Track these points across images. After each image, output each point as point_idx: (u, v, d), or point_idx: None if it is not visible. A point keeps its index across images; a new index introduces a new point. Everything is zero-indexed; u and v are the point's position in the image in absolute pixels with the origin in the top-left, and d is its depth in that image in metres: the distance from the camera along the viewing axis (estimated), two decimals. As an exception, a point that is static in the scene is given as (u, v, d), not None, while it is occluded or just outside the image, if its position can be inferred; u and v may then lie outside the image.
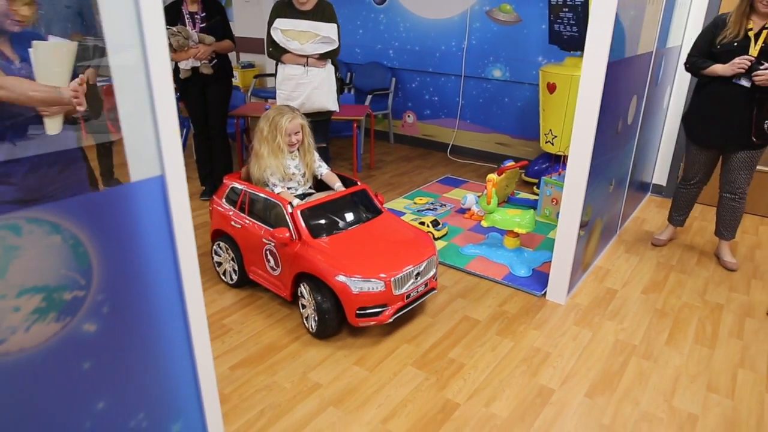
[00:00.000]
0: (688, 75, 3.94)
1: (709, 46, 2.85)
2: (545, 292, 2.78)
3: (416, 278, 2.37)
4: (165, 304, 0.72)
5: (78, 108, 1.22)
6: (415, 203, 3.94)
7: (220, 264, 2.84)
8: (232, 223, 2.67)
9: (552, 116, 4.08)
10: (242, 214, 2.63)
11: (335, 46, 3.26)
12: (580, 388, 2.14)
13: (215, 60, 3.64)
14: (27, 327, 0.58)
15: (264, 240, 2.49)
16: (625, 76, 2.75)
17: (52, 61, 1.21)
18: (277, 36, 3.21)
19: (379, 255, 2.33)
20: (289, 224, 2.38)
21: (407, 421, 1.95)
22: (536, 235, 3.41)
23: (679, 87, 4.09)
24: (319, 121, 3.33)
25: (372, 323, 2.29)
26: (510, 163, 3.84)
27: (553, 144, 4.14)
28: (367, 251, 2.34)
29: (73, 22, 1.65)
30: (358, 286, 2.21)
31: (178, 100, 3.29)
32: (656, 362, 2.31)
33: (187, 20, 3.50)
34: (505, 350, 2.36)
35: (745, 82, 2.71)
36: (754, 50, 2.69)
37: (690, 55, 2.95)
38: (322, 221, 2.44)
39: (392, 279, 2.25)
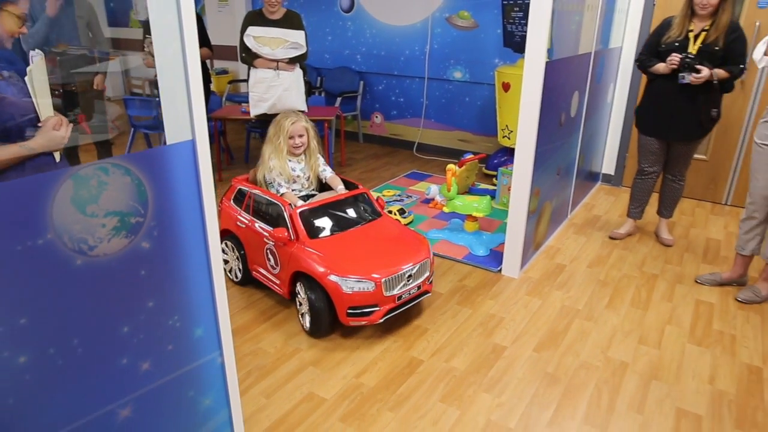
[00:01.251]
0: (631, 73, 4.36)
1: (657, 46, 3.16)
2: (501, 269, 3.11)
3: (408, 280, 2.39)
4: (192, 236, 0.98)
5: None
6: (383, 195, 4.24)
7: (226, 261, 2.94)
8: (238, 222, 2.76)
9: (508, 113, 4.44)
10: (247, 215, 2.71)
11: (303, 50, 3.61)
12: (528, 344, 2.46)
13: None
14: (109, 239, 0.85)
15: (265, 239, 2.58)
16: (565, 74, 3.11)
17: (45, 76, 1.41)
18: (249, 42, 3.51)
19: (373, 256, 2.38)
20: (288, 224, 2.46)
21: (378, 375, 2.23)
22: (494, 221, 3.74)
23: (622, 84, 4.50)
24: None
25: (363, 323, 2.34)
26: (469, 156, 4.17)
27: (509, 138, 4.50)
28: (360, 252, 2.40)
29: (82, 31, 1.86)
30: (349, 285, 2.26)
31: None
32: (596, 322, 2.65)
33: None
34: (464, 317, 2.67)
35: (686, 81, 3.00)
36: (693, 49, 3.02)
37: (640, 54, 3.28)
38: (320, 222, 2.51)
39: (383, 280, 2.29)
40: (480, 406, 2.07)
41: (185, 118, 0.91)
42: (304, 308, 2.44)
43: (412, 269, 2.40)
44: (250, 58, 3.57)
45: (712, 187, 4.37)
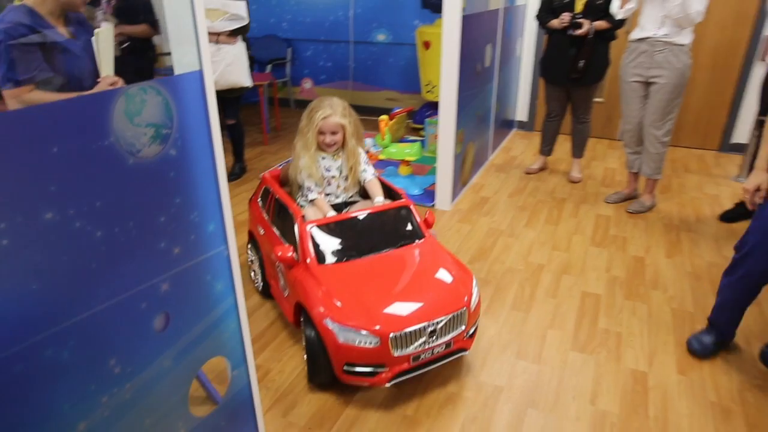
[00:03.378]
0: (536, 28, 4.84)
1: (550, 4, 3.61)
2: (434, 204, 3.51)
3: (431, 337, 1.78)
4: (202, 148, 1.27)
5: None
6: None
7: (252, 262, 2.56)
8: (258, 227, 2.37)
9: (430, 69, 4.81)
10: (266, 220, 2.30)
11: (245, 22, 3.46)
12: (463, 259, 2.88)
13: (127, 43, 3.48)
14: (149, 145, 1.11)
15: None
16: (478, 28, 3.50)
17: (110, 44, 1.64)
18: None
19: (387, 299, 1.80)
20: (296, 242, 2.00)
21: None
22: (425, 166, 4.14)
23: (528, 39, 4.98)
24: (229, 98, 3.58)
25: (364, 384, 1.82)
26: (399, 110, 4.53)
27: (432, 93, 4.88)
28: (373, 291, 1.83)
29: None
30: (346, 336, 1.73)
31: None
32: (517, 238, 3.12)
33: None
34: (407, 244, 3.06)
35: (576, 34, 3.48)
36: (579, 5, 3.48)
37: (538, 11, 3.72)
38: (334, 243, 1.99)
39: (391, 335, 1.71)
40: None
41: (194, 51, 1.19)
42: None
43: (436, 324, 1.78)
44: None
45: (609, 126, 4.99)
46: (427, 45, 4.73)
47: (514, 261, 2.86)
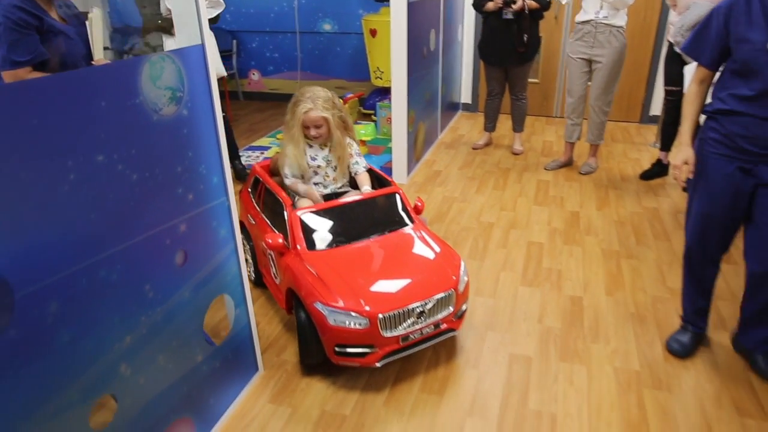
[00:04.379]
0: (474, 15, 5.19)
1: None
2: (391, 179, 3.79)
3: (420, 318, 1.86)
4: (206, 110, 1.48)
5: None
6: (278, 138, 4.72)
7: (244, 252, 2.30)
8: (249, 216, 2.40)
9: (377, 56, 5.08)
10: (257, 209, 2.35)
11: (222, 7, 3.46)
12: (422, 223, 3.18)
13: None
14: (167, 105, 1.31)
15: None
16: (422, 14, 3.79)
17: (101, 28, 1.79)
18: (162, 6, 3.24)
19: (376, 281, 1.88)
20: (287, 229, 2.06)
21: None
22: (379, 146, 4.41)
23: (468, 26, 5.33)
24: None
25: (355, 365, 1.88)
26: (350, 95, 4.78)
27: (381, 78, 5.16)
28: (362, 275, 1.90)
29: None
30: (336, 318, 1.79)
31: None
32: (469, 203, 3.44)
33: None
34: (370, 213, 3.33)
35: (509, 16, 3.86)
36: None
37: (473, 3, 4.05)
38: (323, 230, 2.05)
39: (380, 316, 1.79)
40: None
41: (197, 28, 1.40)
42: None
43: (424, 305, 1.86)
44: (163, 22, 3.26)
45: (545, 104, 5.43)
46: (373, 33, 4.99)
47: (467, 221, 3.19)
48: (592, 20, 3.51)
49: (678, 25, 2.99)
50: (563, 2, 3.84)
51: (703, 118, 1.89)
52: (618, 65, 3.57)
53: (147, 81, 1.25)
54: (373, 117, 5.15)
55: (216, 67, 3.62)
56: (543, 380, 1.95)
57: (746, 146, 1.71)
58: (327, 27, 5.74)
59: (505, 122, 4.83)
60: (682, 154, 1.85)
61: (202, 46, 1.43)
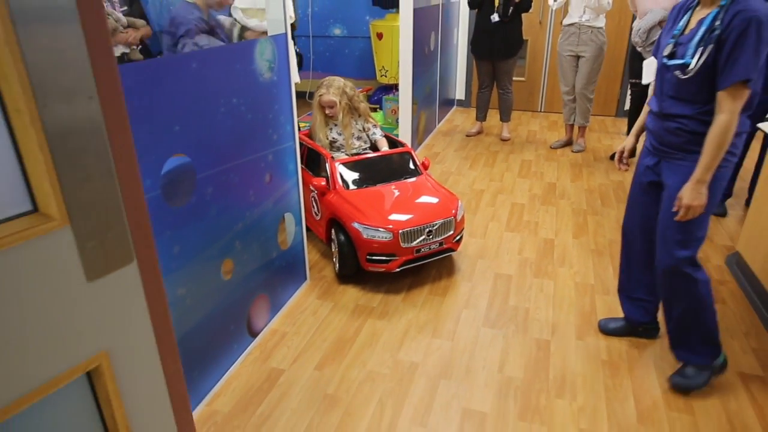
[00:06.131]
0: (468, 21, 5.89)
1: None
2: (398, 157, 4.46)
3: (429, 236, 2.52)
4: (285, 78, 2.14)
5: None
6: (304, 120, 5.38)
7: None
8: None
9: (383, 56, 5.77)
10: (302, 166, 2.72)
11: (293, 19, 3.78)
12: (425, 190, 3.85)
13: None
14: (266, 71, 1.94)
15: (311, 188, 2.78)
16: (425, 19, 4.48)
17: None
18: (237, 15, 4.02)
19: (396, 209, 2.54)
20: (328, 175, 2.71)
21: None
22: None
23: (463, 30, 6.03)
24: None
25: (381, 269, 2.52)
26: (360, 90, 5.45)
27: (386, 76, 5.84)
28: (386, 205, 2.57)
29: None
30: (369, 233, 2.44)
31: None
32: (464, 176, 4.11)
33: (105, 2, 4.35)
34: (382, 183, 3.99)
35: (496, 18, 4.55)
36: None
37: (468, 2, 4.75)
38: (355, 175, 2.72)
39: (401, 231, 2.44)
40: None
41: (282, 21, 2.06)
42: (336, 251, 2.64)
43: (432, 225, 2.52)
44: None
45: (531, 100, 6.13)
46: (380, 36, 5.68)
47: (462, 188, 3.86)
48: (576, 23, 4.26)
49: (636, 28, 3.70)
50: (553, 7, 4.51)
51: None
52: (599, 59, 4.34)
53: (258, 55, 1.91)
54: (379, 109, 5.84)
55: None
56: (520, 289, 2.62)
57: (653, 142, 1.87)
58: (337, 32, 6.42)
59: (495, 115, 5.52)
60: (625, 142, 2.05)
61: (285, 34, 2.10)
